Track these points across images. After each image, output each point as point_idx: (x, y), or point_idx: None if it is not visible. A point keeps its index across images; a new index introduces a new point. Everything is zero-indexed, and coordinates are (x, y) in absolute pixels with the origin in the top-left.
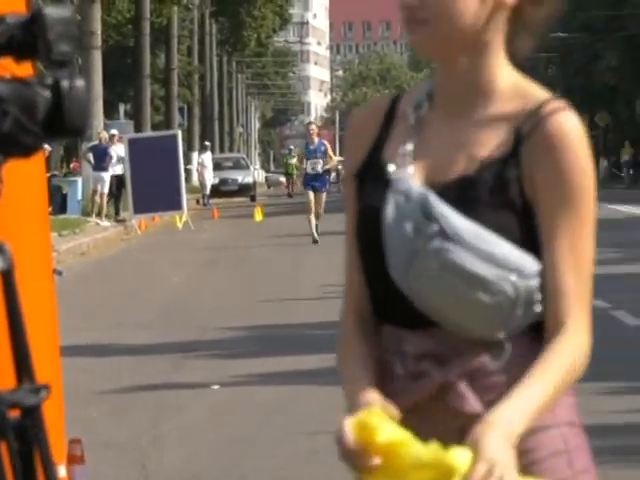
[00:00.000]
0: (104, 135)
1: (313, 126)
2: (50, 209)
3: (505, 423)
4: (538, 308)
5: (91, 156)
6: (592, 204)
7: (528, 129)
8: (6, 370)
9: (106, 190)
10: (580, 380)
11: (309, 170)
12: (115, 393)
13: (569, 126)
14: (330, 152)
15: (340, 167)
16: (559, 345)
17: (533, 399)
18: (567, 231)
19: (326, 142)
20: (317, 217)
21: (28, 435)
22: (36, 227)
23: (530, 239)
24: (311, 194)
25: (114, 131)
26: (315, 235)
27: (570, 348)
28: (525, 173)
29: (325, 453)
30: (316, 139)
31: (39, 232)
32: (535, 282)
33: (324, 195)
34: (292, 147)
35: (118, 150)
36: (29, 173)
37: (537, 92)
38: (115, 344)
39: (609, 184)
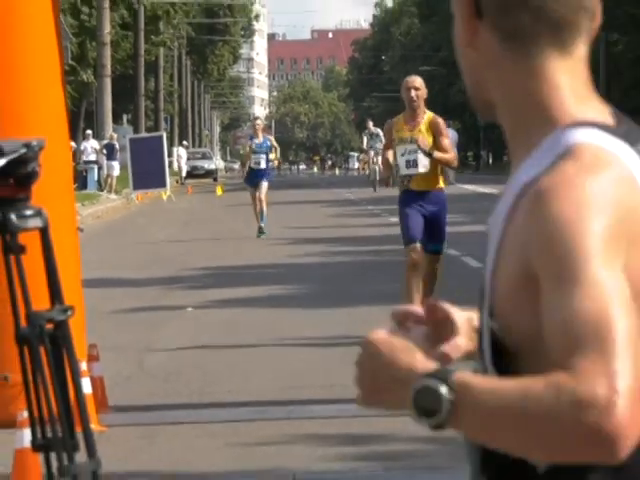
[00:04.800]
0: (114, 136)
1: (259, 121)
2: (75, 185)
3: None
4: None
5: (105, 150)
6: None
7: None
8: (44, 297)
9: (115, 173)
10: None
11: (253, 165)
12: (118, 313)
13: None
14: (275, 143)
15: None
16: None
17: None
18: None
19: (270, 137)
20: (261, 212)
21: (59, 341)
22: (65, 198)
23: None
24: (253, 190)
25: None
26: (262, 225)
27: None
28: None
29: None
30: (261, 134)
31: (67, 201)
32: None
33: (266, 184)
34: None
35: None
36: (60, 160)
37: None
38: (117, 278)
39: (459, 170)
